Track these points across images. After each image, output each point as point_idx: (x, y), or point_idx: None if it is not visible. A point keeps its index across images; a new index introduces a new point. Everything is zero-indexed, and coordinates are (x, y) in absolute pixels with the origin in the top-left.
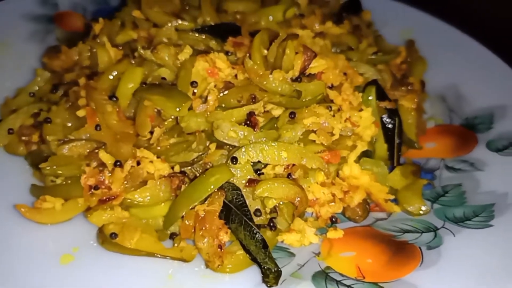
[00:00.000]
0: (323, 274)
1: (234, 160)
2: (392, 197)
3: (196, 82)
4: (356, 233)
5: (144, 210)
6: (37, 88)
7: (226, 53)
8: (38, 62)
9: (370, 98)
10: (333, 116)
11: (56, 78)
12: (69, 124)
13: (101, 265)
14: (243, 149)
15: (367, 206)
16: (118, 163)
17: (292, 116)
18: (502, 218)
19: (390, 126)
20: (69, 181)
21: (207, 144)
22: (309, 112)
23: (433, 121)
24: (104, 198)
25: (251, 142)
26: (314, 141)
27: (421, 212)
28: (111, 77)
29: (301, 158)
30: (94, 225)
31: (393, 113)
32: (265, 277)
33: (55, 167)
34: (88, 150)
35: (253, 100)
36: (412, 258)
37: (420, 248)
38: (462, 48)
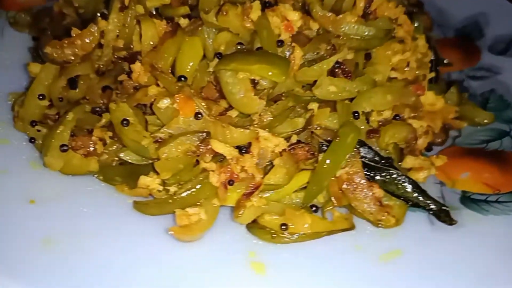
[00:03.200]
0: (468, 199)
1: (356, 114)
2: (457, 114)
3: (283, 41)
4: (452, 155)
5: (277, 191)
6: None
7: (265, 3)
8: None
9: (416, 24)
10: None
11: (69, 71)
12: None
13: (300, 260)
14: (357, 102)
15: (446, 128)
16: (244, 149)
17: (369, 57)
18: None
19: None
20: (189, 185)
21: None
22: (390, 50)
23: None
24: (249, 190)
25: (351, 93)
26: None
27: (487, 120)
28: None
29: (401, 97)
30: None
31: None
32: (439, 218)
33: (177, 176)
34: (194, 145)
35: (333, 49)
36: None
37: None
38: None
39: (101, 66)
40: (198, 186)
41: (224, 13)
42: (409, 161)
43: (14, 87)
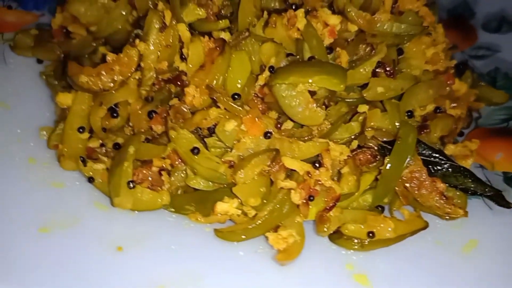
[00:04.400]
0: (510, 179)
1: (410, 113)
2: (476, 96)
3: (332, 48)
4: (481, 137)
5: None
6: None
7: (292, 6)
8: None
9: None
10: None
11: (109, 99)
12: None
13: (395, 264)
14: (406, 100)
15: (470, 111)
16: (317, 163)
17: (401, 53)
18: None
19: None
20: (270, 206)
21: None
22: (423, 44)
23: None
24: (331, 204)
25: (396, 91)
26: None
27: (503, 100)
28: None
29: (438, 89)
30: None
31: None
32: (498, 204)
33: (264, 199)
34: (267, 164)
35: (372, 49)
36: None
37: None
38: None
39: (148, 91)
40: (278, 206)
41: (273, 26)
42: (449, 149)
43: (39, 120)
